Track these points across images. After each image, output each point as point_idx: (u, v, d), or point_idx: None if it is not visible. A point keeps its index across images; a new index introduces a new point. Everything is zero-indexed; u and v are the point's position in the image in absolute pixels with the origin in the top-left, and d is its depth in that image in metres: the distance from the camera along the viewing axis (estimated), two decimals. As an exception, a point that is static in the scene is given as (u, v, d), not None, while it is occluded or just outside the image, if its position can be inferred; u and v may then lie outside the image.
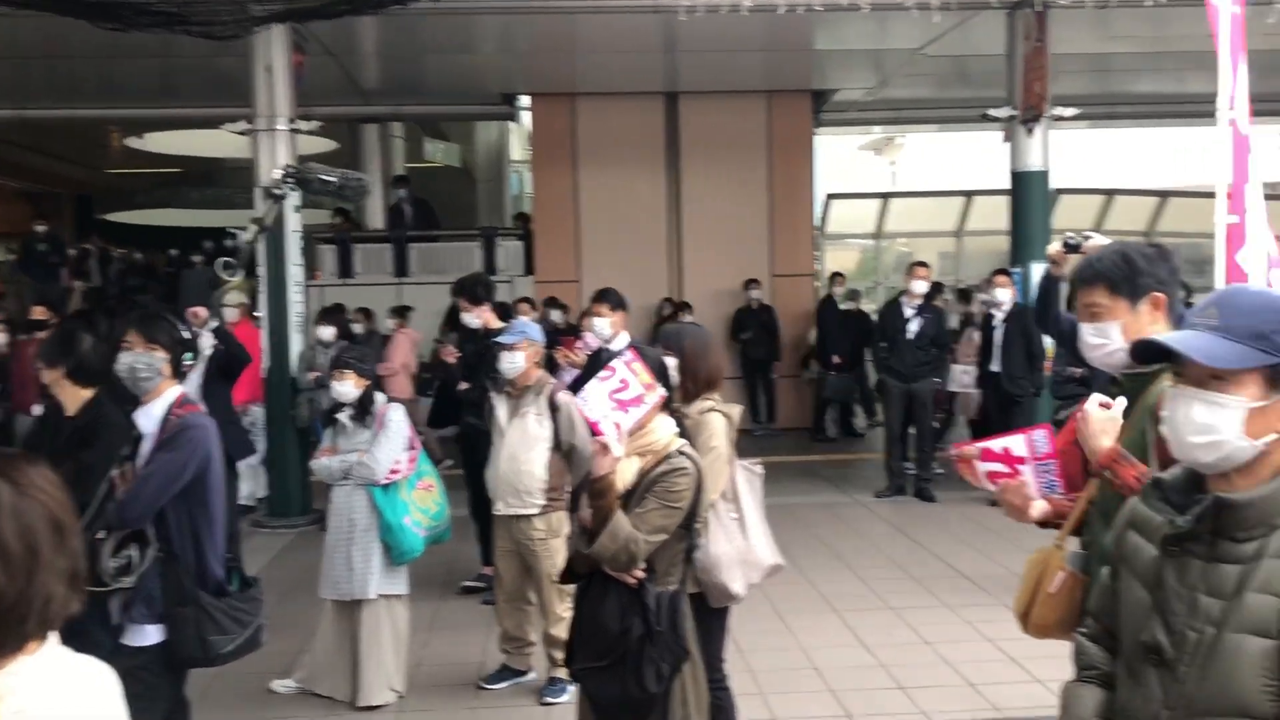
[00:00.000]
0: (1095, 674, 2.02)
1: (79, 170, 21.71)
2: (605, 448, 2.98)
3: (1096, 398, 2.53)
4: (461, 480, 6.98)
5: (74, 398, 4.57)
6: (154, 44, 9.46)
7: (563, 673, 5.15)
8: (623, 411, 3.02)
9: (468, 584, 6.93)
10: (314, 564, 7.35)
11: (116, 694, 1.61)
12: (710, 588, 3.75)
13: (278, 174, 3.60)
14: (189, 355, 3.77)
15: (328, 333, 9.03)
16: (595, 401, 3.02)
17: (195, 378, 6.32)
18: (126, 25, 7.32)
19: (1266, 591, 1.72)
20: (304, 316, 9.26)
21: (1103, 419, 2.46)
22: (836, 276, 13.39)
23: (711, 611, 3.79)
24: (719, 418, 3.79)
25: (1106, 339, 2.64)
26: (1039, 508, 2.68)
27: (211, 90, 12.56)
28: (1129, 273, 2.63)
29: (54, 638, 1.53)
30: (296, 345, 9.05)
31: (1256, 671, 1.70)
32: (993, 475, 2.79)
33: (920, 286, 9.46)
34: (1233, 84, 4.55)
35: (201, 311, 6.59)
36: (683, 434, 3.27)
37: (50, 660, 1.51)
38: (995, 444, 2.79)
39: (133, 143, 18.01)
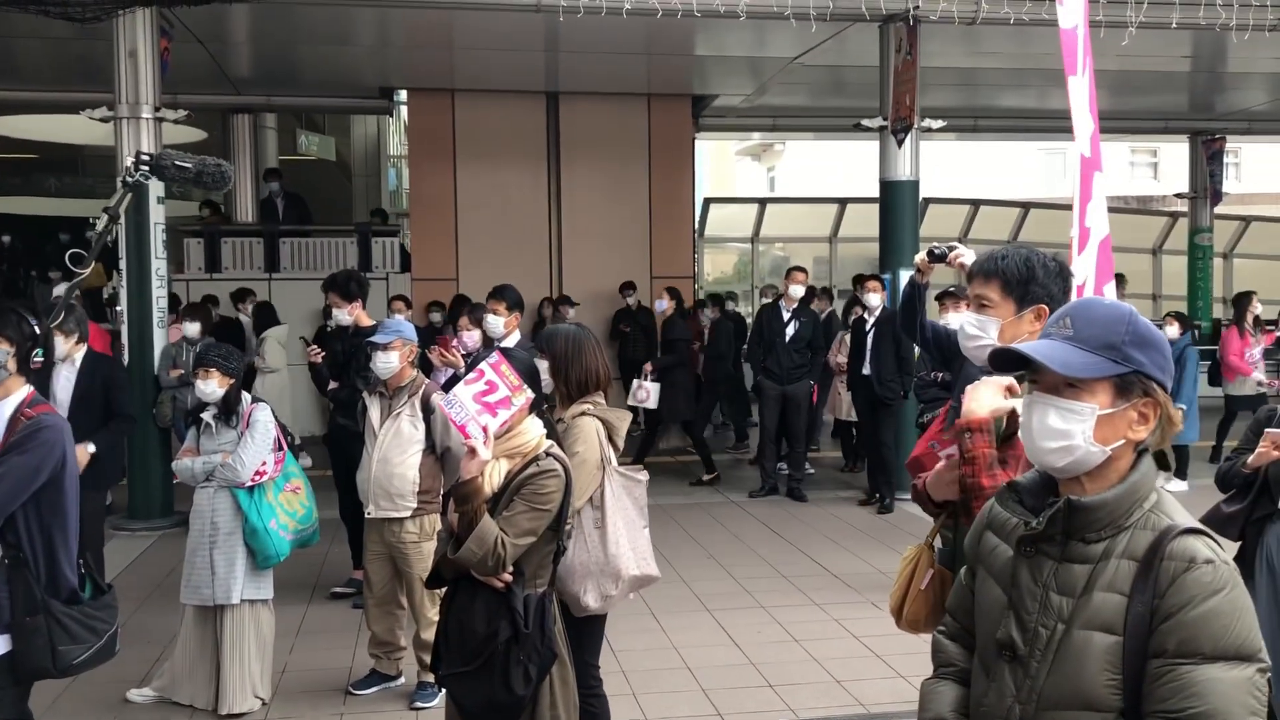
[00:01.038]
0: (953, 671, 2.08)
1: (-75, 154, 20.53)
2: (472, 451, 2.95)
3: (992, 380, 2.49)
4: (331, 482, 6.82)
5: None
6: (9, 23, 9.02)
7: (433, 677, 5.09)
8: (490, 414, 3.00)
9: (338, 590, 6.78)
10: (175, 568, 7.11)
11: None
12: (564, 597, 3.63)
13: (130, 161, 3.44)
14: (39, 351, 3.56)
15: (193, 329, 8.73)
16: (462, 404, 2.98)
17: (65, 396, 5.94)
18: (-23, 3, 6.95)
19: (1112, 590, 1.79)
20: (165, 312, 8.93)
21: (990, 389, 2.45)
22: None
23: (584, 618, 3.74)
24: (591, 422, 3.70)
25: (984, 333, 2.73)
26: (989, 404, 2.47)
27: (71, 74, 12.03)
28: (1026, 277, 2.72)
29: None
30: (159, 342, 8.73)
31: (1102, 666, 1.78)
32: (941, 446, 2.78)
33: (797, 291, 9.69)
34: (1072, 103, 4.71)
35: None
36: (554, 437, 3.25)
37: None
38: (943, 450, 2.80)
39: (-15, 126, 17.11)
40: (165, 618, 6.00)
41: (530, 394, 3.08)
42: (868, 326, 9.49)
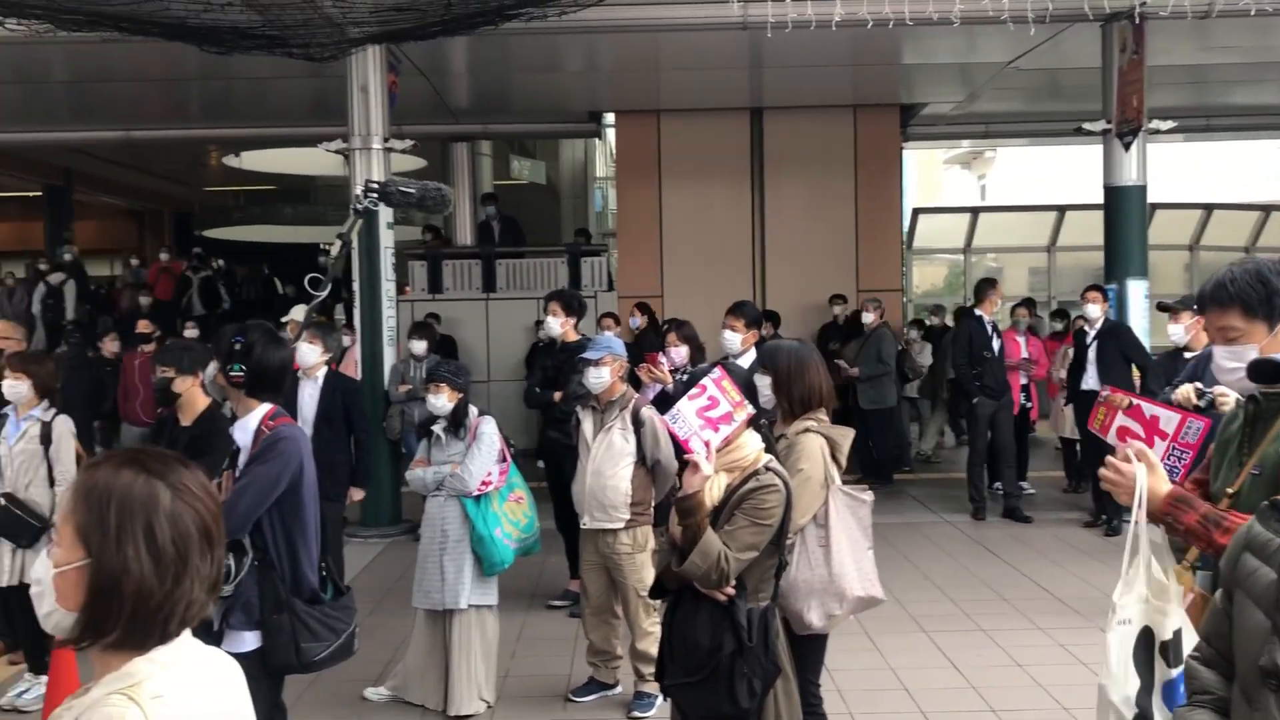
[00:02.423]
0: (1210, 699, 1.97)
1: (179, 188, 22.45)
2: (695, 465, 2.99)
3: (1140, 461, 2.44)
4: (545, 493, 7.03)
5: (193, 407, 4.75)
6: (253, 66, 9.77)
7: (650, 687, 5.17)
8: (712, 429, 3.03)
9: (554, 602, 6.97)
10: (405, 573, 7.50)
11: (242, 684, 1.69)
12: (787, 614, 3.60)
13: (359, 189, 3.68)
14: (236, 367, 3.72)
15: (419, 346, 9.20)
16: (685, 419, 3.03)
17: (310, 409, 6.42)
18: (229, 49, 7.58)
19: None
20: (395, 331, 9.45)
21: (1142, 470, 2.38)
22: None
23: (807, 636, 3.71)
24: (815, 439, 3.67)
25: (1242, 362, 2.55)
26: (1164, 480, 2.48)
27: (308, 110, 12.93)
28: (1265, 294, 2.53)
29: (186, 633, 1.60)
30: (389, 359, 9.24)
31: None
32: (1125, 431, 2.73)
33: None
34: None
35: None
36: (773, 454, 3.25)
37: (184, 651, 1.58)
38: (1149, 408, 2.73)
39: (230, 161, 18.58)
40: (397, 620, 6.34)
41: (751, 409, 3.10)
42: (1089, 339, 9.05)
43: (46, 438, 5.52)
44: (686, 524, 3.00)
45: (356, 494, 6.53)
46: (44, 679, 5.37)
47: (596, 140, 18.78)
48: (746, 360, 5.81)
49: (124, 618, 1.51)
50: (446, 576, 5.11)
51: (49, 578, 1.55)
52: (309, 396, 6.45)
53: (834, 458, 3.70)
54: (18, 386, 5.50)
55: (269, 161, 17.92)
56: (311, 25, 7.36)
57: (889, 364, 10.72)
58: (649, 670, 5.19)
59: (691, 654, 3.08)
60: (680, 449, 3.05)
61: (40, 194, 20.10)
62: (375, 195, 3.68)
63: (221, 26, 7.05)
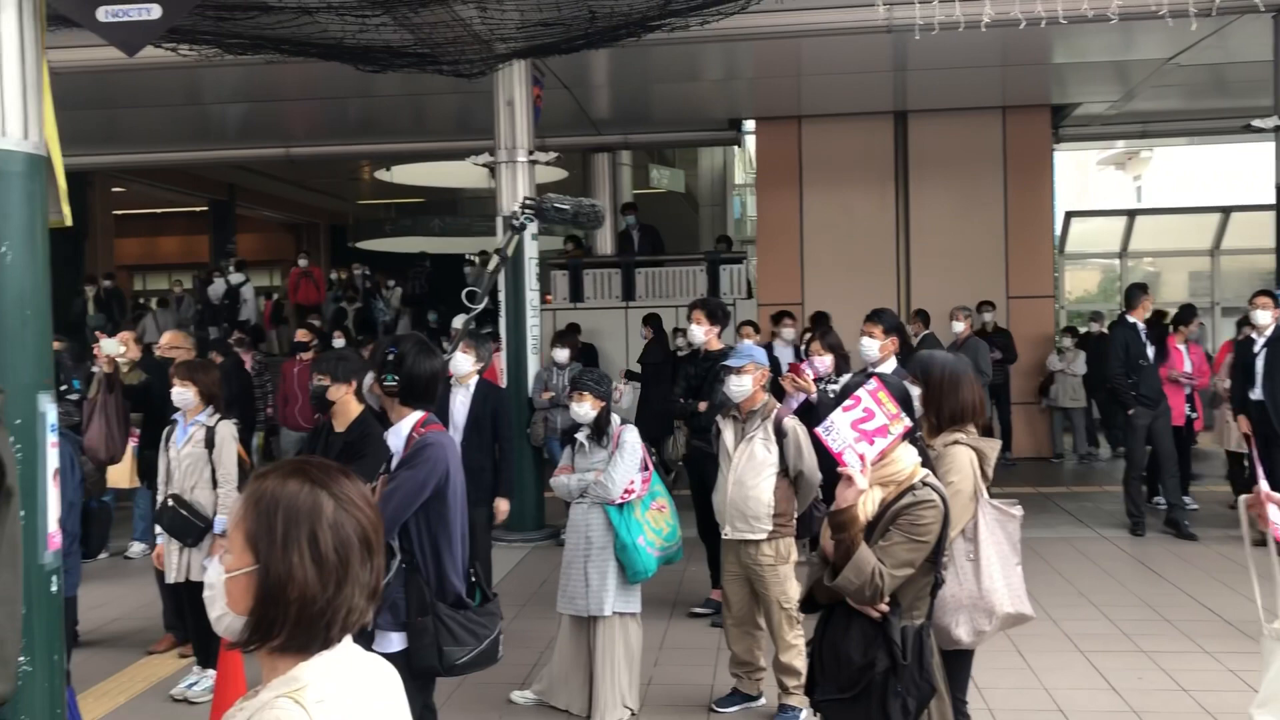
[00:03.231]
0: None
1: (334, 202, 23.37)
2: (849, 479, 2.93)
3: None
4: (689, 502, 7.04)
5: (346, 414, 4.92)
6: (403, 83, 10.08)
7: (793, 700, 5.11)
8: (867, 442, 2.97)
9: (696, 610, 6.96)
10: (549, 578, 7.61)
11: (400, 690, 1.73)
12: (934, 628, 3.52)
13: (516, 206, 3.76)
14: (389, 377, 3.83)
15: (562, 354, 9.33)
16: (839, 431, 2.97)
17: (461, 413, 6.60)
18: (384, 67, 7.84)
19: None
20: (539, 339, 9.62)
21: None
22: None
23: (953, 651, 3.60)
24: (965, 451, 3.56)
25: None
26: None
27: (455, 125, 13.30)
28: None
29: (348, 640, 1.64)
30: (533, 366, 9.40)
31: None
32: None
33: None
34: None
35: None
36: (929, 466, 3.17)
37: (346, 656, 1.63)
38: None
39: (382, 175, 19.26)
40: (541, 624, 6.43)
41: (908, 422, 3.02)
42: (1256, 347, 8.56)
43: (210, 442, 5.79)
44: (839, 538, 2.94)
45: (503, 506, 6.62)
46: (211, 672, 5.64)
47: (736, 148, 18.76)
48: (886, 368, 5.71)
49: (289, 622, 1.57)
50: (591, 583, 5.15)
51: (221, 582, 1.61)
52: (460, 404, 6.62)
53: (982, 470, 3.59)
54: (185, 393, 5.79)
55: (418, 175, 18.52)
56: (461, 43, 7.56)
57: (987, 374, 10.36)
58: (793, 683, 5.14)
59: (843, 670, 3.03)
60: (833, 462, 2.99)
61: (206, 209, 21.22)
62: (531, 211, 3.75)
63: (376, 46, 7.30)
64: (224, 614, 1.61)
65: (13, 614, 3.01)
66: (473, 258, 15.63)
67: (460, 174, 16.64)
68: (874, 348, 5.82)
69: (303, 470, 1.65)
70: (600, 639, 5.19)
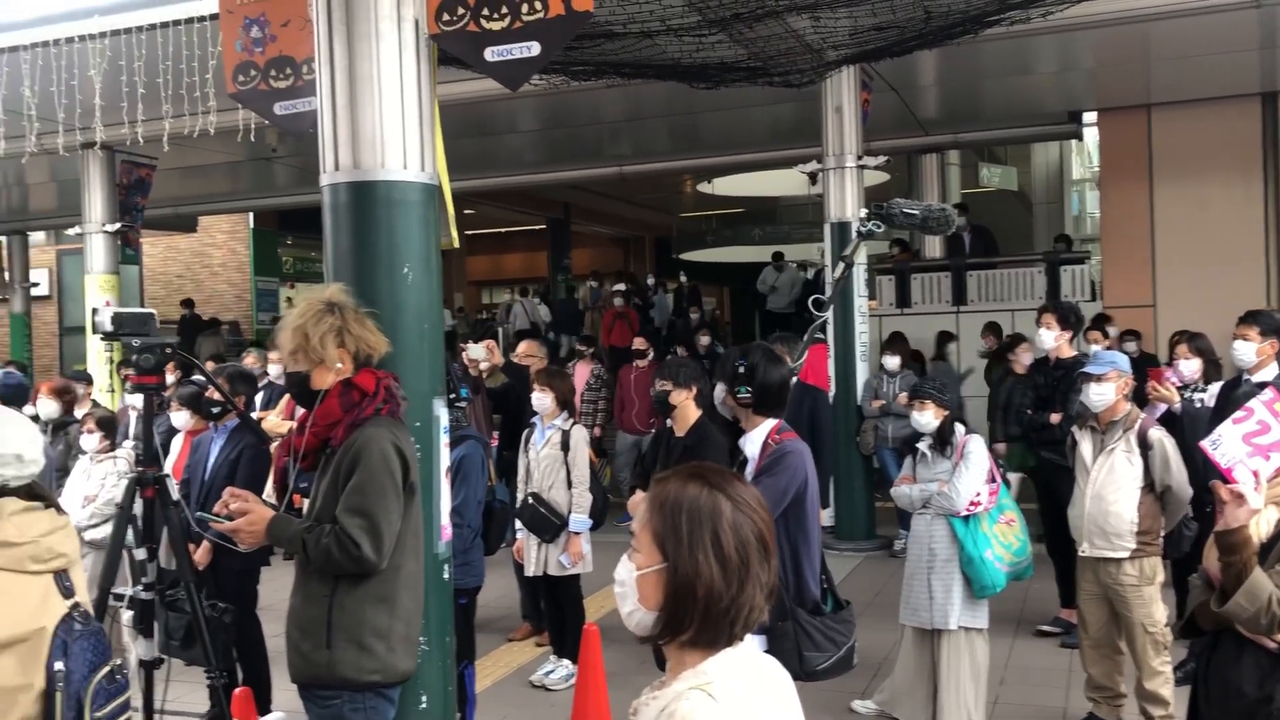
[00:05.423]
0: None
1: (658, 216, 24.23)
2: (1240, 497, 2.71)
3: None
4: (1036, 516, 6.72)
5: (686, 419, 5.11)
6: (725, 98, 10.29)
7: (1159, 732, 4.78)
8: (1262, 457, 2.74)
9: (1044, 628, 6.65)
10: (882, 588, 7.53)
11: (794, 691, 1.79)
12: None
13: (863, 212, 3.76)
14: (742, 389, 3.89)
15: (893, 362, 9.20)
16: (1229, 445, 2.76)
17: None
18: (716, 83, 8.06)
19: None
20: (867, 346, 9.52)
21: None
22: None
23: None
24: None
25: None
26: None
27: (774, 135, 13.43)
28: None
29: (749, 638, 1.72)
30: (862, 374, 9.32)
31: None
32: None
33: None
34: None
35: None
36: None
37: (748, 655, 1.71)
38: None
39: (704, 188, 19.76)
40: (877, 634, 6.35)
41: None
42: None
43: (565, 445, 6.18)
44: (1229, 561, 2.72)
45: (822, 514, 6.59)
46: (567, 662, 6.01)
47: (1073, 141, 17.73)
48: (1267, 375, 5.22)
49: (697, 619, 1.66)
50: (935, 596, 5.04)
51: (631, 580, 1.73)
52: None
53: None
54: (544, 399, 6.21)
55: (738, 186, 18.85)
56: (792, 54, 7.63)
57: None
58: (1159, 713, 4.81)
59: (1233, 703, 2.80)
60: (1221, 478, 2.77)
61: (544, 226, 22.61)
62: (878, 217, 3.75)
63: (710, 64, 7.52)
64: (635, 610, 1.72)
65: (418, 598, 3.37)
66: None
67: (779, 183, 16.80)
68: (1249, 351, 5.33)
69: (701, 475, 1.75)
70: (945, 653, 5.06)
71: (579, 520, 6.07)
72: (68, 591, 2.61)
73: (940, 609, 5.03)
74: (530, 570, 6.21)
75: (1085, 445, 5.14)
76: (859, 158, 9.42)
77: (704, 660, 1.68)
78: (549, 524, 6.09)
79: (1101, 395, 5.00)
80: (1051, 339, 6.24)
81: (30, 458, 2.58)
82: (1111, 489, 4.95)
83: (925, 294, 13.41)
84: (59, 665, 2.51)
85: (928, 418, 5.18)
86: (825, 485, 6.89)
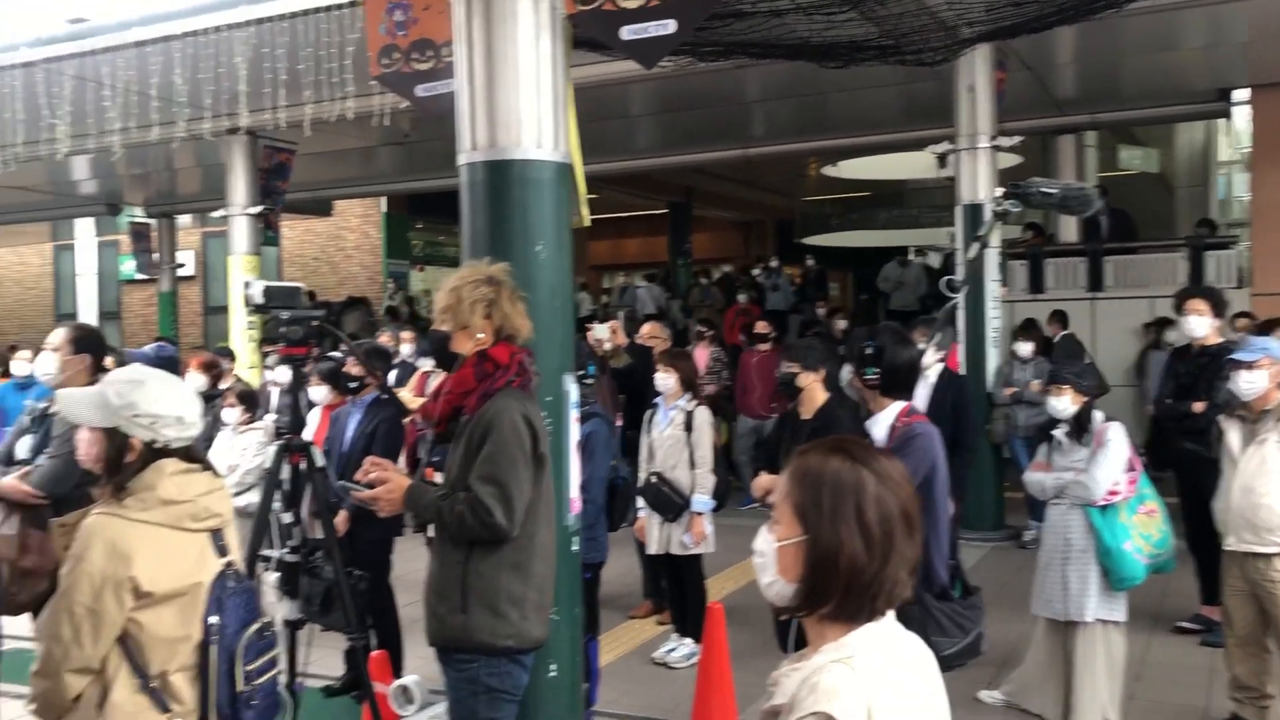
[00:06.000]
0: None
1: (780, 199, 24.00)
2: None
3: None
4: (1177, 509, 6.47)
5: (813, 401, 5.07)
6: (850, 78, 10.12)
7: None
8: None
9: (1183, 624, 6.40)
10: (1011, 579, 7.36)
11: (937, 670, 1.76)
12: None
13: (999, 191, 3.66)
14: (870, 370, 3.83)
15: (1025, 348, 8.95)
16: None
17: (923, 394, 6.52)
18: (846, 62, 7.93)
19: None
20: (999, 332, 9.28)
21: None
22: None
23: None
24: None
25: None
26: None
27: (902, 116, 13.15)
28: None
29: (890, 614, 1.70)
30: (993, 360, 9.10)
31: None
32: None
33: None
34: None
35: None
36: None
37: (890, 630, 1.69)
38: None
39: (828, 171, 19.49)
40: (1005, 625, 6.19)
41: None
42: None
43: (689, 425, 6.19)
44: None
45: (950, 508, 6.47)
46: (689, 640, 6.04)
47: (1220, 121, 16.91)
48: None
49: (838, 591, 1.65)
50: (1070, 587, 4.90)
51: (771, 551, 1.73)
52: (919, 396, 6.55)
53: None
54: (667, 380, 6.24)
55: (864, 168, 18.53)
56: (925, 31, 7.46)
57: None
58: (1310, 716, 4.59)
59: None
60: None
61: (665, 211, 22.62)
62: (1015, 197, 3.65)
63: (840, 42, 7.40)
64: (774, 580, 1.72)
65: (551, 566, 3.43)
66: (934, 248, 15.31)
67: (906, 165, 16.43)
68: (1203, 325, 5.30)
69: (843, 448, 1.74)
70: (1080, 645, 4.92)
71: (702, 500, 6.09)
72: (222, 550, 2.74)
73: (1076, 600, 4.89)
74: (652, 549, 6.25)
75: (1233, 435, 4.93)
76: (992, 138, 9.16)
77: (845, 634, 1.67)
78: (672, 504, 6.13)
79: (1253, 383, 4.79)
80: (1205, 326, 5.98)
81: (190, 420, 2.71)
82: (1262, 481, 4.75)
83: (1060, 279, 12.97)
84: (214, 619, 2.64)
85: (1065, 403, 5.03)
86: (964, 476, 6.75)
